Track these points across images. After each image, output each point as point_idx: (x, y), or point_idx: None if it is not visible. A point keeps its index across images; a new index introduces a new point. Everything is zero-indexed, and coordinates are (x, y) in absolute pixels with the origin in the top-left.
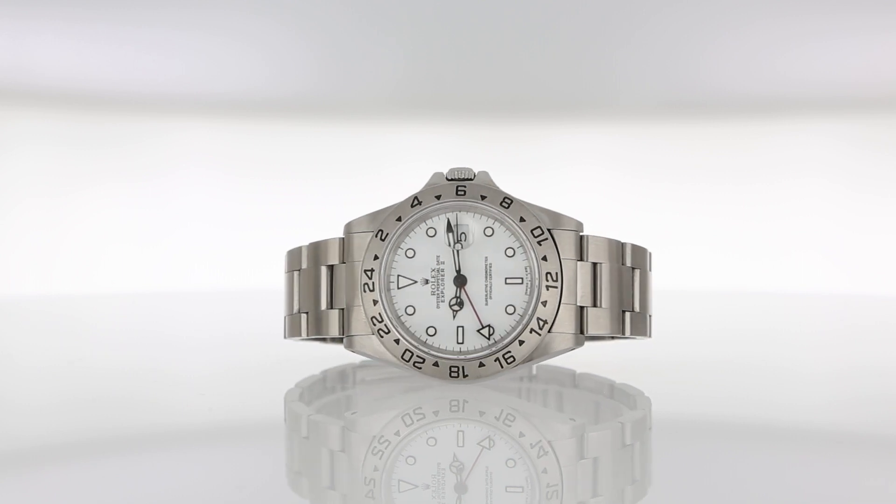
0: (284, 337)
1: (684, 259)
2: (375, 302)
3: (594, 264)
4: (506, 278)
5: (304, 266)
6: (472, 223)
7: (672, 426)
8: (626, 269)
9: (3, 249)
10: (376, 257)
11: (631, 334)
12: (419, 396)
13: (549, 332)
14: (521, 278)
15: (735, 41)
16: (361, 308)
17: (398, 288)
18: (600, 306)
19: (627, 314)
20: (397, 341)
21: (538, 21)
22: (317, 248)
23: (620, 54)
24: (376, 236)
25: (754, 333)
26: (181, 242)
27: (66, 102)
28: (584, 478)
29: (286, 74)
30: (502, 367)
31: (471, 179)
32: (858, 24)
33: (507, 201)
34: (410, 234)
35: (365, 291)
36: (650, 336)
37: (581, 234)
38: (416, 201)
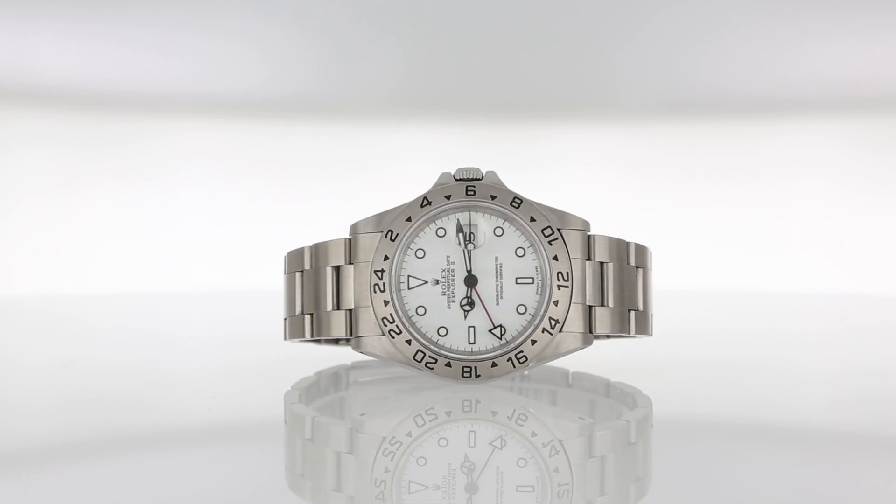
0: (285, 339)
1: (684, 259)
2: (386, 303)
3: (601, 264)
4: (516, 278)
5: (306, 267)
6: (482, 223)
7: (672, 426)
8: (631, 268)
9: (3, 249)
10: (386, 258)
11: (635, 333)
12: (426, 397)
13: (559, 331)
14: (532, 278)
15: (735, 41)
16: (370, 309)
17: (409, 288)
18: (607, 305)
19: (632, 313)
20: (409, 342)
21: (538, 21)
22: (321, 249)
23: (620, 54)
24: (386, 236)
25: (754, 333)
26: (181, 242)
27: (66, 102)
28: (593, 476)
29: (286, 74)
30: (514, 366)
31: (479, 179)
32: (858, 24)
33: (516, 201)
34: (420, 235)
35: (375, 292)
36: (651, 335)
37: (588, 233)
38: (425, 201)
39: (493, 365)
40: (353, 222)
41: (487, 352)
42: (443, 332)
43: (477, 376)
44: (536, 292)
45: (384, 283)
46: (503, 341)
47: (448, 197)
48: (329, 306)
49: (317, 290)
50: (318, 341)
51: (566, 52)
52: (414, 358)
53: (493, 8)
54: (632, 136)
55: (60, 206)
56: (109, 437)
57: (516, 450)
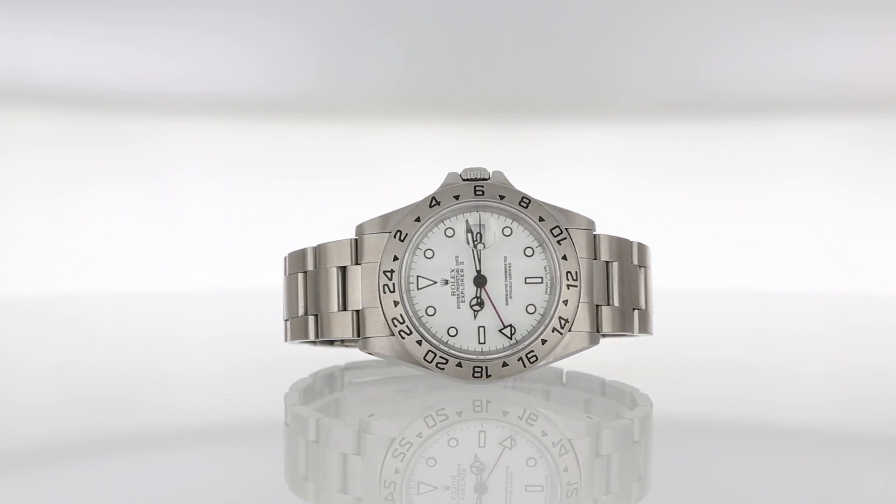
0: (286, 340)
1: (684, 259)
2: (396, 303)
3: (606, 263)
4: (525, 278)
5: (309, 268)
6: (492, 223)
7: (672, 426)
8: (634, 267)
9: (3, 249)
10: (396, 258)
11: (638, 332)
12: (435, 398)
13: (569, 331)
14: (541, 278)
15: (735, 41)
16: (379, 309)
17: (418, 289)
18: (612, 305)
19: (636, 312)
20: (419, 342)
21: (538, 21)
22: (325, 250)
23: (620, 54)
24: (394, 237)
25: (754, 333)
26: (181, 242)
27: (66, 102)
28: (600, 475)
29: (286, 74)
30: (525, 366)
31: (486, 179)
32: (858, 24)
33: (525, 201)
34: (429, 235)
35: (385, 292)
36: (652, 333)
37: (594, 232)
38: (434, 201)
39: (504, 365)
40: (356, 223)
41: (498, 352)
42: (453, 332)
43: (488, 376)
44: (545, 292)
45: (394, 284)
46: (513, 341)
47: (457, 197)
48: (334, 307)
49: (321, 291)
50: (328, 342)
51: (566, 52)
52: (424, 358)
53: (493, 8)
54: (632, 136)
55: (60, 206)
56: (109, 437)
57: (526, 449)
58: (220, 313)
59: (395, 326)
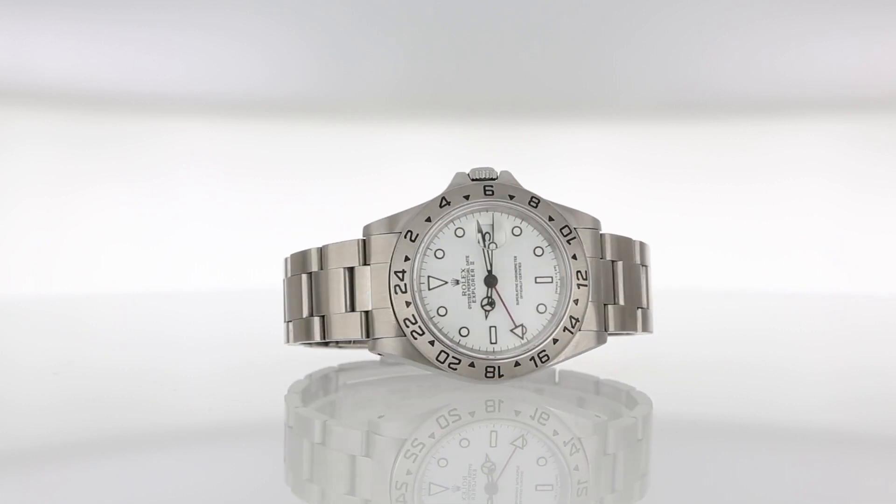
0: (288, 342)
1: (684, 259)
2: (408, 303)
3: (611, 262)
4: (535, 277)
5: (313, 269)
6: (502, 223)
7: (672, 426)
8: (637, 266)
9: (3, 249)
10: (407, 258)
11: (642, 330)
12: (444, 398)
13: (579, 330)
14: (551, 277)
15: (735, 41)
16: (389, 310)
17: (429, 289)
18: (618, 303)
19: (640, 311)
20: (432, 343)
21: (538, 21)
22: (331, 251)
23: (620, 54)
24: (405, 237)
25: (754, 333)
26: (181, 242)
27: (66, 102)
28: (606, 474)
29: (286, 74)
30: (537, 365)
31: (495, 179)
32: (858, 24)
33: (534, 200)
34: (439, 235)
35: (396, 293)
36: (652, 331)
37: (600, 231)
38: (444, 201)
39: (517, 364)
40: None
41: (509, 351)
42: (464, 332)
43: (500, 376)
44: (555, 291)
45: (405, 284)
46: (524, 340)
47: (467, 197)
48: (342, 308)
49: (327, 292)
50: (326, 344)
51: (566, 52)
52: (437, 359)
53: (493, 8)
54: (632, 136)
55: (60, 206)
56: (109, 437)
57: (537, 449)
58: (219, 313)
59: (407, 327)
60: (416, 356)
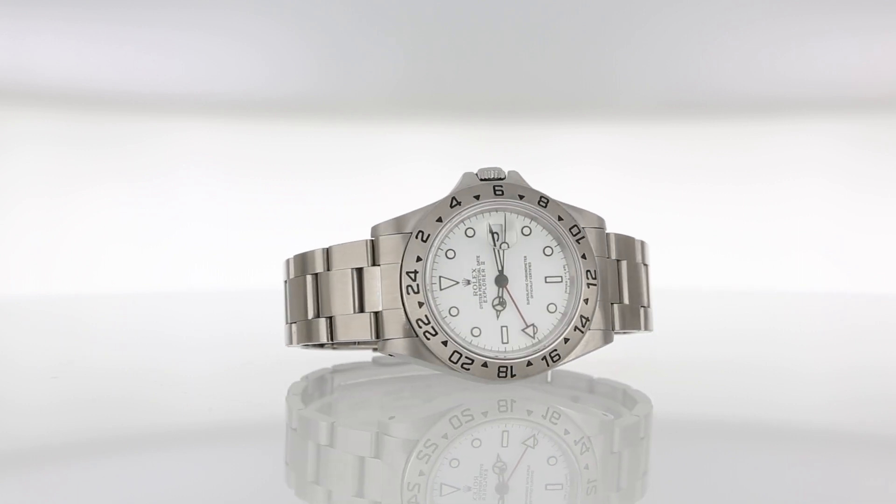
0: (292, 344)
1: (684, 258)
2: (421, 304)
3: (616, 261)
4: (545, 277)
5: (319, 270)
6: (514, 222)
7: (672, 426)
8: (639, 265)
9: (3, 249)
10: (419, 259)
11: (644, 329)
12: (454, 399)
13: (588, 329)
14: (560, 277)
15: (735, 41)
16: (400, 311)
17: (440, 289)
18: (623, 302)
19: (642, 309)
20: (445, 343)
21: (538, 21)
22: (338, 251)
23: (620, 54)
24: (416, 237)
25: (754, 333)
26: (181, 242)
27: (66, 102)
28: (612, 473)
29: (286, 74)
30: (548, 365)
31: (503, 179)
32: (858, 24)
33: (543, 200)
34: (450, 235)
35: (408, 293)
36: (652, 329)
37: (606, 231)
38: (454, 202)
39: (529, 364)
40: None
41: (521, 351)
42: (476, 332)
43: (512, 376)
44: (565, 291)
45: (418, 285)
46: (535, 340)
47: (477, 197)
48: (350, 309)
49: (334, 293)
50: (322, 345)
51: (566, 52)
52: (450, 359)
53: (493, 8)
54: (632, 136)
55: (60, 206)
56: (109, 437)
57: (548, 448)
58: (219, 313)
59: (420, 327)
60: (428, 356)
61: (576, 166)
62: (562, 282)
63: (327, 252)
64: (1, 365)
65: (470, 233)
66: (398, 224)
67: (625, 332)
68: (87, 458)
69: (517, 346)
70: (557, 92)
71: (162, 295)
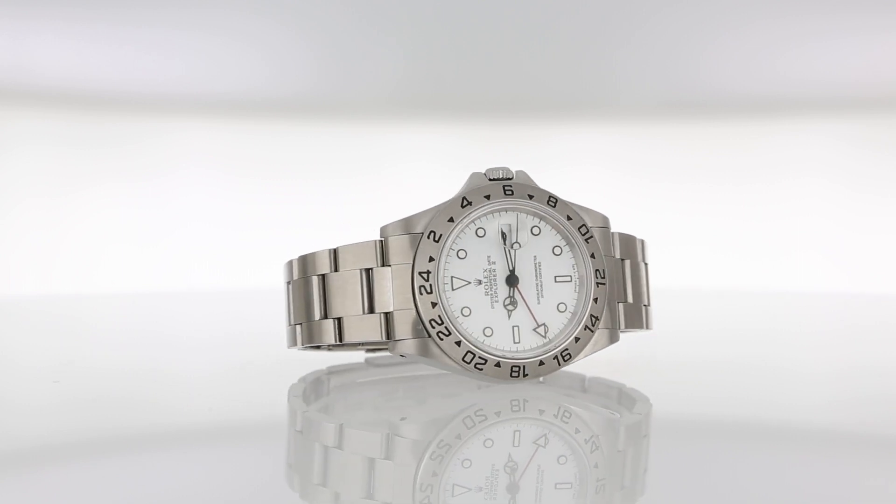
0: (296, 345)
1: (684, 258)
2: (434, 304)
3: (620, 260)
4: (555, 276)
5: (325, 270)
6: (523, 222)
7: (672, 426)
8: (641, 263)
9: (3, 249)
10: (431, 259)
11: (646, 327)
12: (464, 399)
13: (597, 328)
14: (570, 276)
15: (735, 41)
16: (410, 311)
17: (452, 290)
18: (627, 301)
19: (644, 308)
20: (458, 343)
21: (538, 21)
22: (346, 252)
23: (620, 54)
24: (428, 237)
25: (754, 333)
26: (181, 242)
27: (66, 102)
28: (618, 471)
29: (286, 74)
30: (560, 364)
31: (511, 179)
32: (858, 24)
33: (552, 200)
34: (461, 235)
35: (422, 294)
36: (652, 328)
37: (611, 230)
38: (465, 202)
39: (541, 364)
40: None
41: (532, 350)
42: (488, 332)
43: (525, 375)
44: (574, 290)
45: (430, 285)
46: (547, 339)
47: (487, 197)
48: (359, 310)
49: (343, 294)
50: (318, 347)
51: (566, 52)
52: (463, 359)
53: (493, 8)
54: (632, 136)
55: (60, 206)
56: (109, 437)
57: (559, 447)
58: (219, 313)
59: (433, 328)
60: (439, 356)
61: (576, 166)
62: (571, 281)
63: (334, 253)
64: (1, 365)
65: (481, 233)
66: (407, 225)
67: (626, 331)
68: (87, 458)
69: (529, 345)
70: (557, 92)
71: (162, 295)
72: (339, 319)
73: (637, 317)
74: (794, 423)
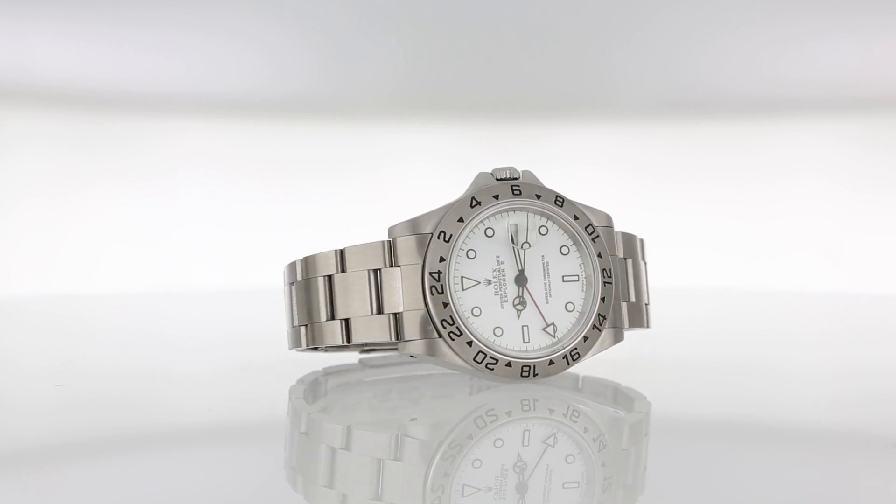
0: (300, 347)
1: (684, 258)
2: (445, 304)
3: (623, 259)
4: (563, 276)
5: (331, 272)
6: (531, 222)
7: (671, 426)
8: (642, 262)
9: (3, 249)
10: (442, 259)
11: (647, 326)
12: (471, 399)
13: (604, 327)
14: (577, 275)
15: (735, 41)
16: (420, 311)
17: (462, 290)
18: (630, 300)
19: (645, 307)
20: (470, 343)
21: (538, 21)
22: (353, 253)
23: (620, 54)
24: (438, 237)
25: (754, 333)
26: (181, 242)
27: (66, 102)
28: (622, 469)
29: (286, 74)
30: (569, 363)
31: (518, 178)
32: (858, 24)
33: (559, 200)
34: (470, 235)
35: (433, 294)
36: (651, 326)
37: (614, 229)
38: (474, 201)
39: (551, 363)
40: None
41: (542, 350)
42: (498, 332)
43: (535, 375)
44: (582, 289)
45: (441, 285)
46: (556, 339)
47: (496, 197)
48: (367, 311)
49: (351, 295)
50: (316, 348)
51: (566, 52)
52: (474, 360)
53: (493, 8)
54: (632, 136)
55: (60, 206)
56: (109, 437)
57: (567, 446)
58: (220, 313)
59: (445, 328)
60: (449, 356)
61: (576, 166)
62: (578, 280)
63: (341, 254)
64: (1, 365)
65: (489, 232)
66: (414, 225)
67: (628, 330)
68: (87, 458)
69: (538, 345)
70: (557, 92)
71: (162, 295)
72: (347, 320)
73: (639, 315)
74: (794, 423)
